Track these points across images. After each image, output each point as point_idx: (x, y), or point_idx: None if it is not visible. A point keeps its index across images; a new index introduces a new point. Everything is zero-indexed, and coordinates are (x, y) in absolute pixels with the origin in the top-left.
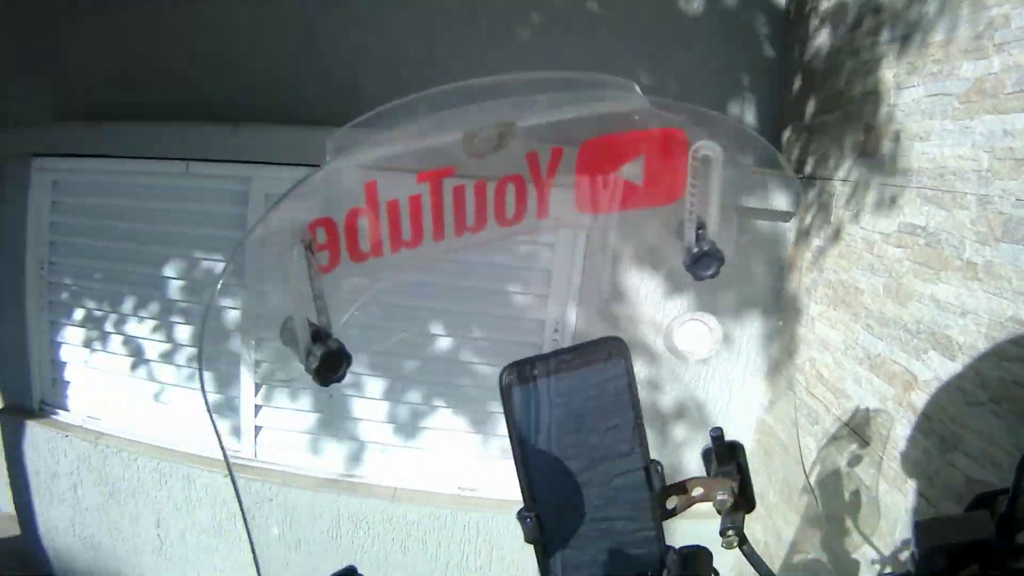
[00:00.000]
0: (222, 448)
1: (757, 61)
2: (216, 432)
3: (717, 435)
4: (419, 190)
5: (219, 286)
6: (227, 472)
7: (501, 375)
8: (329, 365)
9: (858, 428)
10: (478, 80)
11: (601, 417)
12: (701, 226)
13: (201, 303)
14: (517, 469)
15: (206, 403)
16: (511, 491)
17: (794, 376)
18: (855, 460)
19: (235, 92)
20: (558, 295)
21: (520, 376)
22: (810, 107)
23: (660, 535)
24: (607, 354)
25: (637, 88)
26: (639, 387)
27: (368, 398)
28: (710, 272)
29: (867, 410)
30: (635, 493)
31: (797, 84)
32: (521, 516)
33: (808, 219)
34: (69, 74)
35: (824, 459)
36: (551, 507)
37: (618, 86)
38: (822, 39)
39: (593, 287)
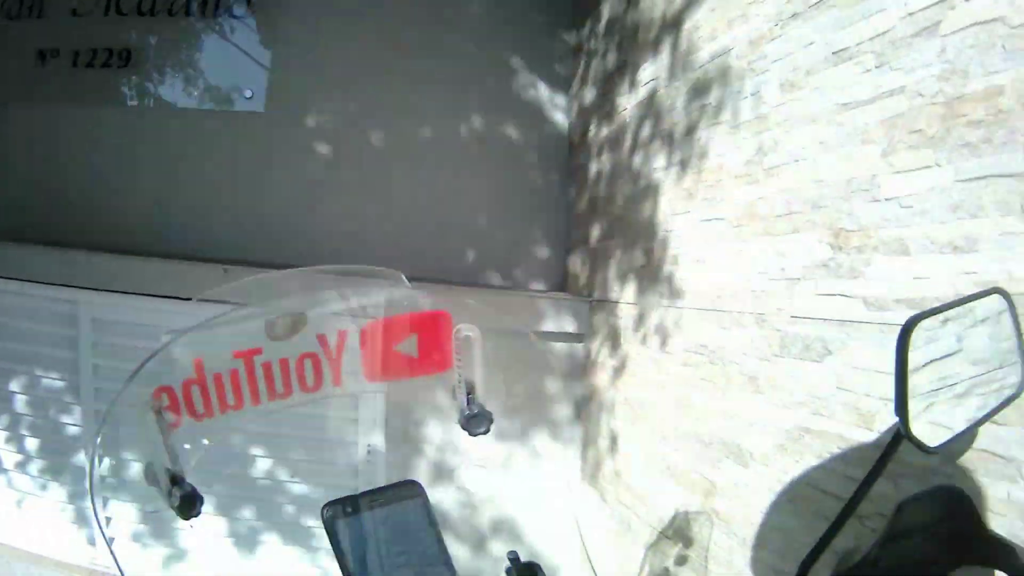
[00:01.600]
0: (119, 566)
1: (545, 188)
2: (113, 555)
3: (514, 557)
4: (236, 365)
5: (99, 440)
6: None
7: (322, 511)
8: (186, 505)
9: (677, 533)
10: (279, 273)
11: (410, 545)
12: (471, 390)
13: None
14: None
15: (103, 535)
16: None
17: (603, 487)
18: (680, 562)
19: (63, 217)
20: (366, 420)
21: (338, 512)
22: (595, 232)
23: None
24: (406, 495)
25: (404, 278)
26: (441, 511)
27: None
28: (482, 430)
29: (686, 514)
30: None
31: (583, 209)
32: None
33: (598, 341)
34: None
35: (649, 564)
36: None
37: (388, 276)
38: (603, 166)
39: (396, 416)
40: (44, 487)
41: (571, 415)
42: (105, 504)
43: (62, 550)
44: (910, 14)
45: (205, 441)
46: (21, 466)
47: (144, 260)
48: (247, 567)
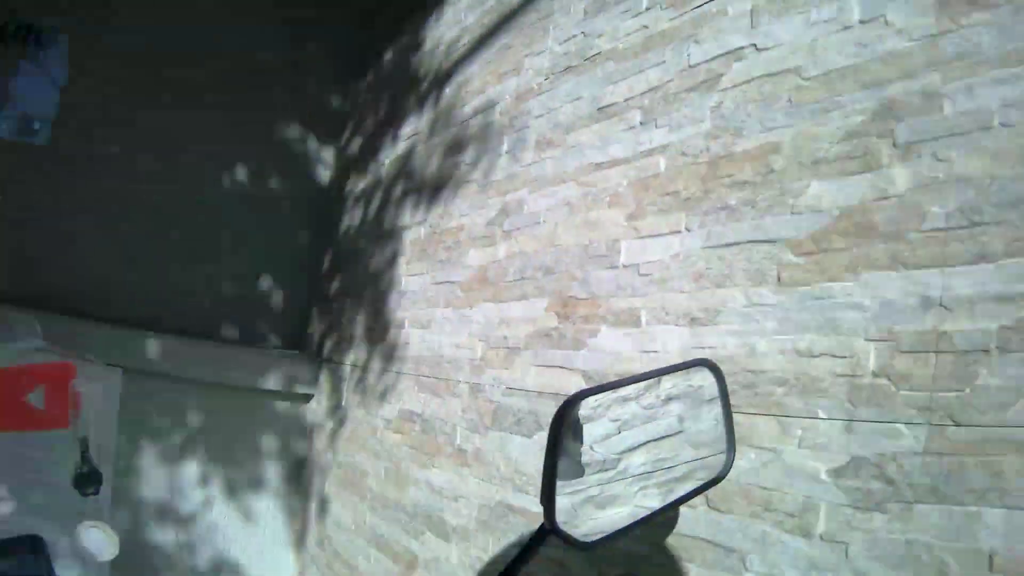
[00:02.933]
0: None
1: (295, 242)
2: None
3: None
4: None
5: None
6: None
7: None
8: None
9: None
10: None
11: None
12: (85, 448)
13: None
14: None
15: None
16: None
17: (314, 552)
18: None
19: None
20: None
21: None
22: (334, 288)
23: None
24: (26, 550)
25: (38, 327)
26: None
27: None
28: (92, 490)
29: None
30: None
31: (326, 265)
32: None
33: (323, 401)
34: None
35: None
36: None
37: (23, 323)
38: (352, 221)
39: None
40: None
41: (287, 477)
42: None
43: None
44: (691, 66)
45: None
46: None
47: None
48: None
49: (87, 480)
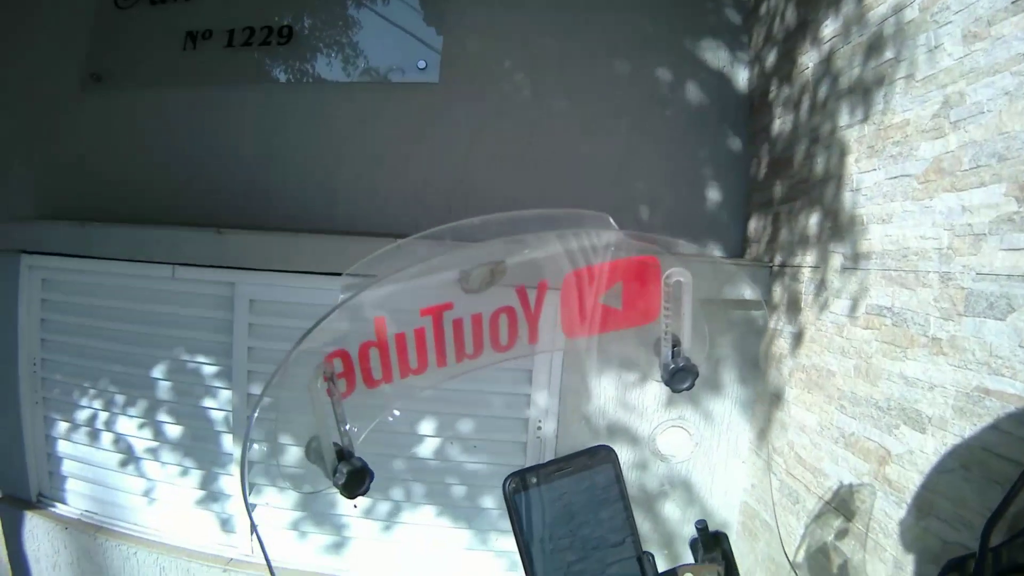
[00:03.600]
0: (265, 554)
1: (724, 151)
2: (260, 542)
3: (702, 527)
4: (423, 323)
5: (254, 418)
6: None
7: (505, 484)
8: (354, 481)
9: (841, 504)
10: (469, 220)
11: (596, 516)
12: (676, 343)
13: (195, 405)
14: (524, 566)
15: (250, 518)
16: None
17: (773, 458)
18: (840, 535)
19: (217, 198)
20: (539, 394)
21: (520, 484)
22: (776, 194)
23: None
24: (598, 460)
25: (612, 221)
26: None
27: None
28: (685, 386)
29: (850, 486)
30: None
31: (763, 172)
32: None
33: (780, 307)
34: (56, 172)
35: (810, 536)
36: None
37: (594, 220)
38: (784, 125)
39: (572, 385)
40: (185, 474)
41: (745, 382)
42: (252, 490)
43: (199, 539)
44: None
45: (396, 412)
46: (162, 453)
47: (303, 236)
48: (408, 554)
49: (682, 375)
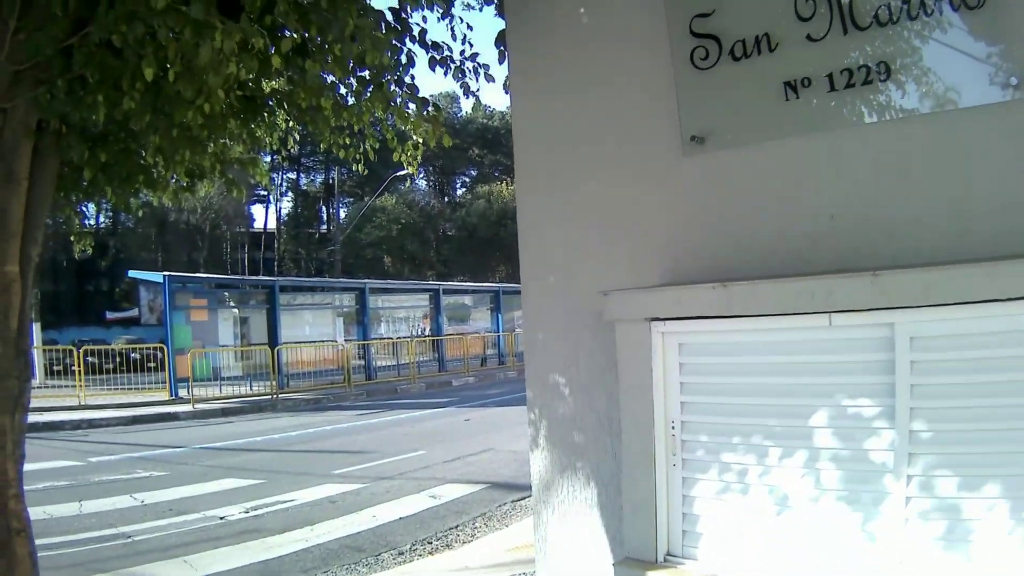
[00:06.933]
0: None
1: None
2: None
3: None
4: None
5: None
6: None
7: None
8: None
9: None
10: None
11: None
12: None
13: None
14: None
15: None
16: None
17: None
18: None
19: (871, 237)
20: None
21: None
22: None
23: None
24: None
25: None
26: None
27: None
28: None
29: None
30: None
31: None
32: None
33: None
34: (675, 233)
35: None
36: None
37: None
38: None
39: None
40: (845, 517)
41: None
42: None
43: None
44: None
45: None
46: (821, 500)
47: (955, 267)
48: None
49: None
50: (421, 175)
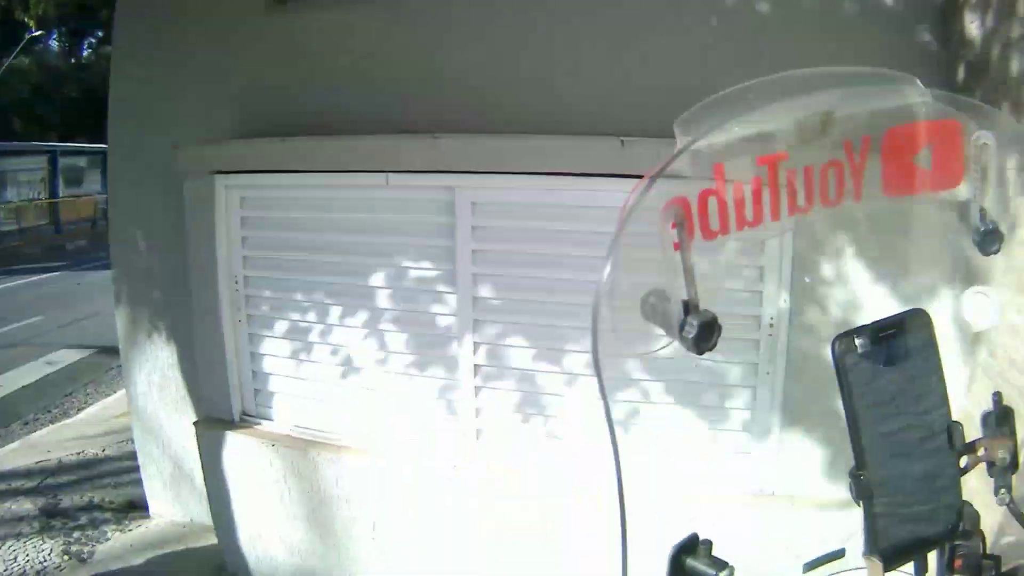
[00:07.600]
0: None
1: (918, 53)
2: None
3: (997, 399)
4: (758, 172)
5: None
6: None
7: (833, 344)
8: (705, 333)
9: None
10: (786, 73)
11: (911, 383)
12: (982, 208)
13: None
14: (850, 431)
15: (607, 410)
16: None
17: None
18: None
19: (431, 102)
20: (771, 291)
21: (848, 345)
22: (976, 98)
23: (959, 491)
24: (914, 325)
25: (919, 82)
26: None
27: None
28: (995, 248)
29: None
30: (937, 452)
31: (961, 75)
32: (854, 475)
33: None
34: (248, 89)
35: None
36: (874, 466)
37: (902, 80)
38: (977, 32)
39: (806, 278)
40: (411, 380)
41: None
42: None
43: (427, 448)
44: None
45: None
46: (386, 362)
47: (527, 137)
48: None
49: (989, 238)
50: (54, 36)
